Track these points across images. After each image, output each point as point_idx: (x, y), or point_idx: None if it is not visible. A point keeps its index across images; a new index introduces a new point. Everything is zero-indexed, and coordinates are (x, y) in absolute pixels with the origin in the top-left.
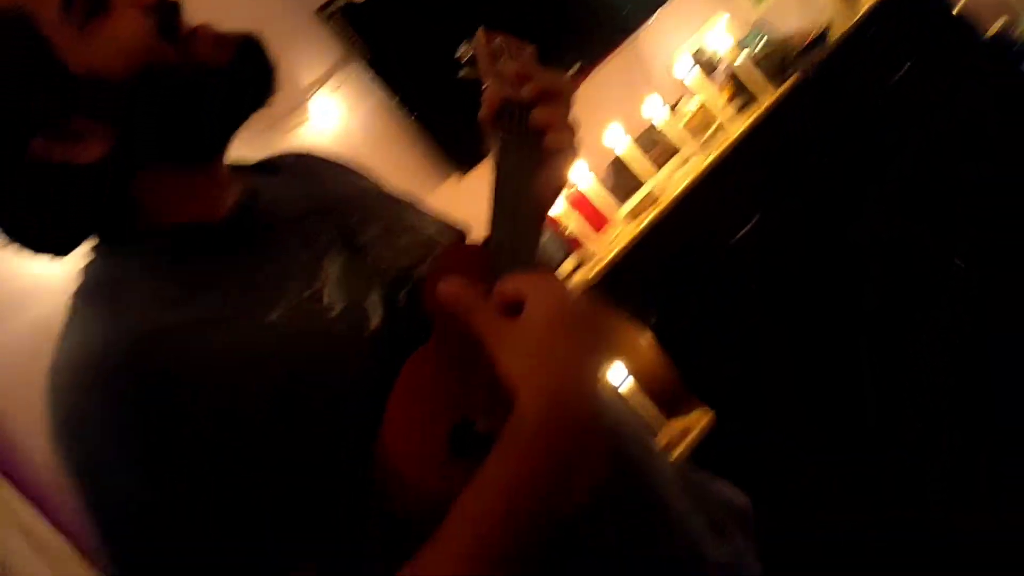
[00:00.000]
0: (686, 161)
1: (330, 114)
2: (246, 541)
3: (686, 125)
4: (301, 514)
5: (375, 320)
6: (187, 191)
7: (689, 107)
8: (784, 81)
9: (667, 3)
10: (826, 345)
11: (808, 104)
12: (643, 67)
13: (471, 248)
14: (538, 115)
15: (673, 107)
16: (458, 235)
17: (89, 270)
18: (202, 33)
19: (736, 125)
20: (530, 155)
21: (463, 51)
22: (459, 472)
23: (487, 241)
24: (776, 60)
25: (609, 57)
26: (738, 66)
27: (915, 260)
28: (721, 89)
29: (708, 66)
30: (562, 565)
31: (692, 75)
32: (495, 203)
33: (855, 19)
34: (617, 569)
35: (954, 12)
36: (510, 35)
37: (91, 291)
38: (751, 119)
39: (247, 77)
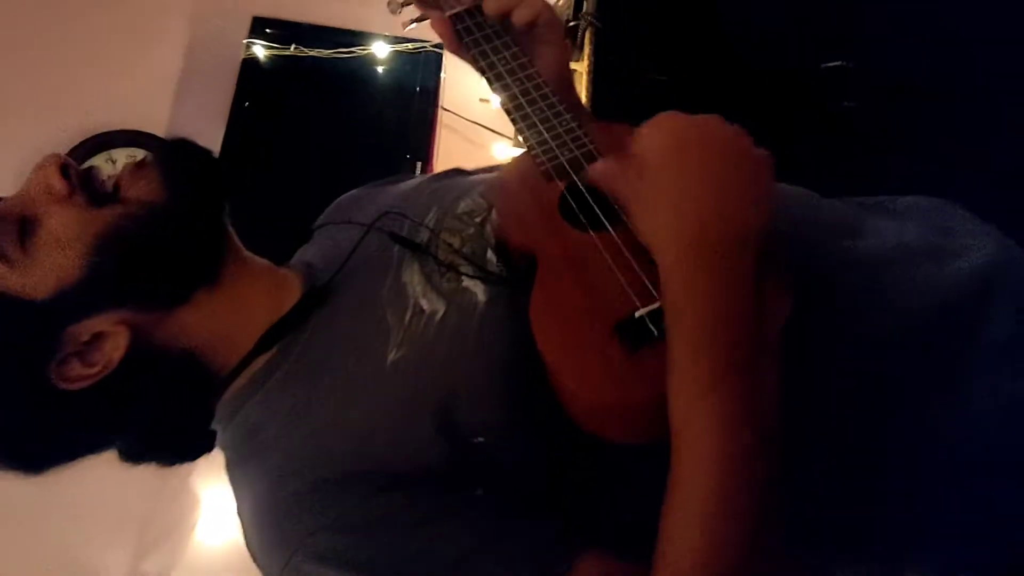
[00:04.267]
0: None
1: None
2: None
3: None
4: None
5: (481, 294)
6: (236, 314)
7: None
8: (582, 43)
9: (443, 66)
10: None
11: (616, 42)
12: (472, 124)
13: (518, 166)
14: (488, 5)
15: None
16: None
17: (224, 444)
18: (122, 177)
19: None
20: (511, 46)
21: (394, 9)
22: (645, 363)
23: (528, 149)
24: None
25: (436, 138)
26: None
27: None
28: None
29: None
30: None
31: None
32: (513, 112)
33: None
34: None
35: None
36: None
37: (236, 458)
38: (585, 92)
39: (192, 187)
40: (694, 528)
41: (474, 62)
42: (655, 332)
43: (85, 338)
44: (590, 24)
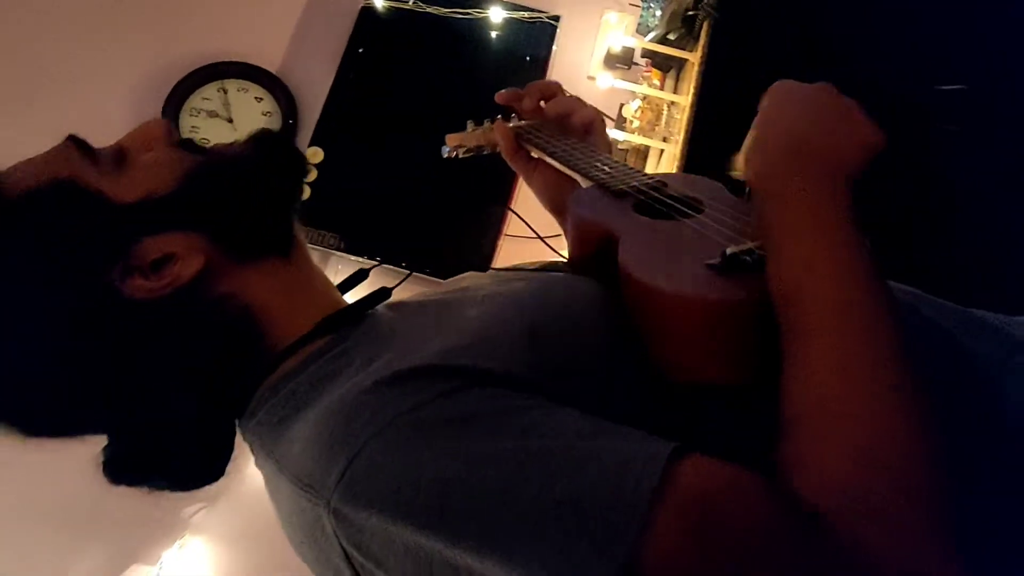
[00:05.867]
0: (661, 154)
1: None
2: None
3: (640, 127)
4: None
5: (560, 274)
6: (302, 292)
7: (633, 109)
8: (698, 33)
9: (555, 38)
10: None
11: (733, 36)
12: None
13: (587, 192)
14: (551, 108)
15: (620, 119)
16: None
17: (262, 420)
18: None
19: (684, 96)
20: (567, 139)
21: (448, 153)
22: (743, 276)
23: (596, 180)
24: (679, 19)
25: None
26: (651, 45)
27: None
28: (649, 74)
29: (625, 61)
30: None
31: (617, 84)
32: (574, 161)
33: None
34: None
35: None
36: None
37: (277, 421)
38: (695, 83)
39: (277, 154)
40: (832, 383)
41: (533, 149)
42: (749, 260)
43: (155, 255)
44: (709, 15)
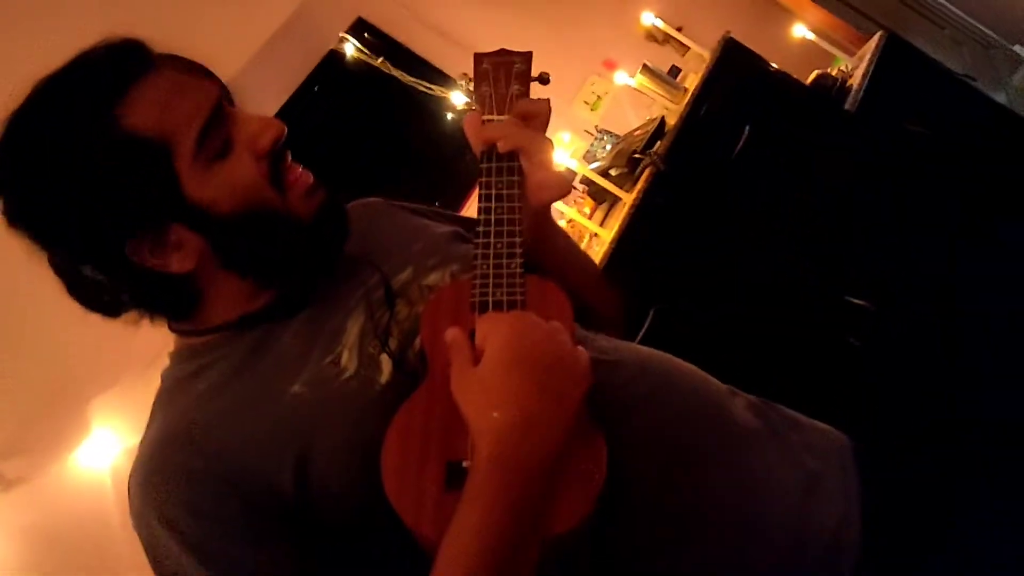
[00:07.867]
0: None
1: None
2: None
3: None
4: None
5: (385, 375)
6: (247, 293)
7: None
8: (638, 177)
9: None
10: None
11: (671, 192)
12: None
13: (459, 285)
14: (479, 136)
15: None
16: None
17: (164, 375)
18: (297, 179)
19: (608, 232)
20: (513, 172)
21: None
22: (453, 507)
23: (472, 278)
24: (625, 158)
25: (472, 199)
26: (592, 175)
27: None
28: (583, 201)
29: None
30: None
31: None
32: (480, 236)
33: (684, 103)
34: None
35: (772, 69)
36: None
37: (160, 396)
38: (621, 222)
39: (327, 232)
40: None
41: (479, 174)
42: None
43: (171, 239)
44: (653, 163)
